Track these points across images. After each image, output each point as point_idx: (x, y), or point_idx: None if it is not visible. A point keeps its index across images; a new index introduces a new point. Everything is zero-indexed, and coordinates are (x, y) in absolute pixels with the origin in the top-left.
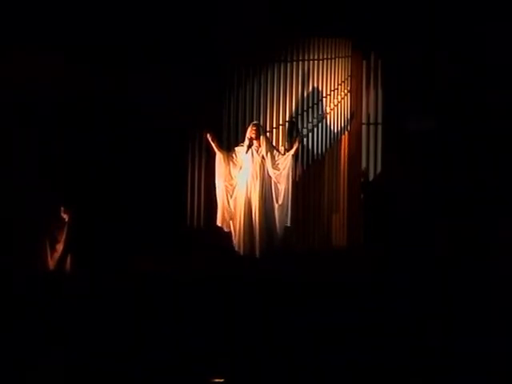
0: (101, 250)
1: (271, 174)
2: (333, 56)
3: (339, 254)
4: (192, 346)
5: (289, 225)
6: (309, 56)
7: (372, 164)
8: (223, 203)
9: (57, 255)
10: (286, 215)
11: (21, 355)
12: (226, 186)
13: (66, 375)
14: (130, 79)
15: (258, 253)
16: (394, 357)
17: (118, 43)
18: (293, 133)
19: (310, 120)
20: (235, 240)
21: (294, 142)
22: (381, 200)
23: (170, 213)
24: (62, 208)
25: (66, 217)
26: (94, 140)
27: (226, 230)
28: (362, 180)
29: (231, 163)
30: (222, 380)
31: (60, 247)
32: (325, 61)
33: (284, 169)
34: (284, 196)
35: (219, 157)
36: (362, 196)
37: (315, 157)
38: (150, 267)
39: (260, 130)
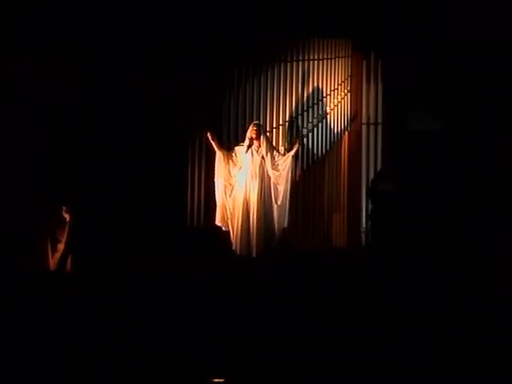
0: (101, 250)
1: (270, 174)
2: (333, 56)
3: (339, 253)
4: (192, 346)
5: (286, 226)
6: (309, 56)
7: (372, 164)
8: (222, 202)
9: (58, 255)
10: (284, 216)
11: (21, 355)
12: (225, 185)
13: (65, 375)
14: (130, 79)
15: (254, 253)
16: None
17: (118, 43)
18: (293, 133)
19: (310, 120)
20: (233, 240)
21: (295, 142)
22: (381, 200)
23: (170, 213)
24: (64, 208)
25: (67, 217)
26: (94, 140)
27: (224, 229)
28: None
29: (231, 162)
30: (222, 380)
31: (61, 247)
32: (325, 61)
33: (283, 170)
34: (283, 197)
35: (219, 156)
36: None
37: (315, 157)
38: (151, 267)
39: (260, 131)
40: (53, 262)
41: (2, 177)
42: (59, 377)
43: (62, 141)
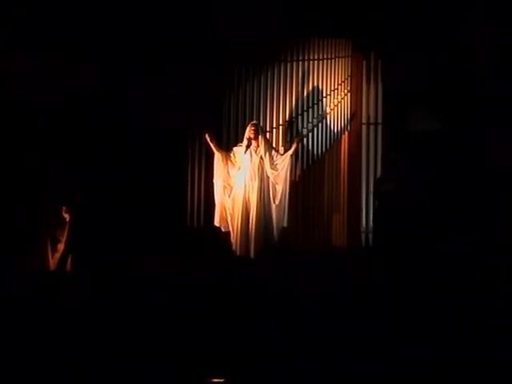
0: (101, 250)
1: (269, 174)
2: (333, 56)
3: (339, 253)
4: (192, 346)
5: (285, 225)
6: (309, 56)
7: (372, 164)
8: (221, 203)
9: (58, 255)
10: (283, 216)
11: (21, 355)
12: (224, 186)
13: (65, 375)
14: (130, 79)
15: (253, 253)
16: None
17: (118, 43)
18: (293, 133)
19: (310, 120)
20: (233, 240)
21: (293, 142)
22: (382, 201)
23: (170, 213)
24: (64, 208)
25: (67, 217)
26: (94, 140)
27: (223, 230)
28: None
29: (229, 163)
30: (222, 380)
31: (61, 247)
32: (325, 61)
33: (282, 169)
34: (281, 196)
35: (218, 156)
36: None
37: (315, 157)
38: (151, 267)
39: (259, 130)
40: (53, 262)
41: (2, 177)
42: (59, 376)
43: (61, 141)
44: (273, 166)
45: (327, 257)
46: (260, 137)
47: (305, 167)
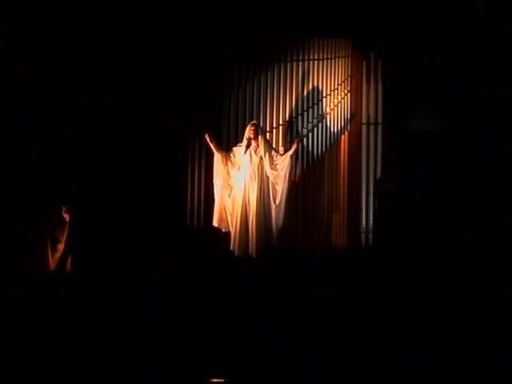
0: (101, 250)
1: (269, 174)
2: (333, 56)
3: (339, 253)
4: (192, 346)
5: (281, 225)
6: (309, 56)
7: (372, 164)
8: (221, 203)
9: (58, 255)
10: (282, 215)
11: (21, 355)
12: (224, 186)
13: (65, 375)
14: (130, 79)
15: (254, 253)
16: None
17: (118, 43)
18: (293, 133)
19: (310, 120)
20: (233, 240)
21: (293, 142)
22: (382, 201)
23: (170, 213)
24: (64, 208)
25: (67, 217)
26: (95, 140)
27: (223, 230)
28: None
29: (229, 163)
30: (221, 380)
31: (61, 247)
32: (325, 61)
33: (282, 170)
34: (281, 197)
35: (217, 157)
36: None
37: (315, 157)
38: (151, 267)
39: (258, 130)
40: (53, 261)
41: (2, 177)
42: (59, 377)
43: (61, 141)
44: (273, 166)
45: (327, 257)
46: (260, 137)
47: (305, 167)
